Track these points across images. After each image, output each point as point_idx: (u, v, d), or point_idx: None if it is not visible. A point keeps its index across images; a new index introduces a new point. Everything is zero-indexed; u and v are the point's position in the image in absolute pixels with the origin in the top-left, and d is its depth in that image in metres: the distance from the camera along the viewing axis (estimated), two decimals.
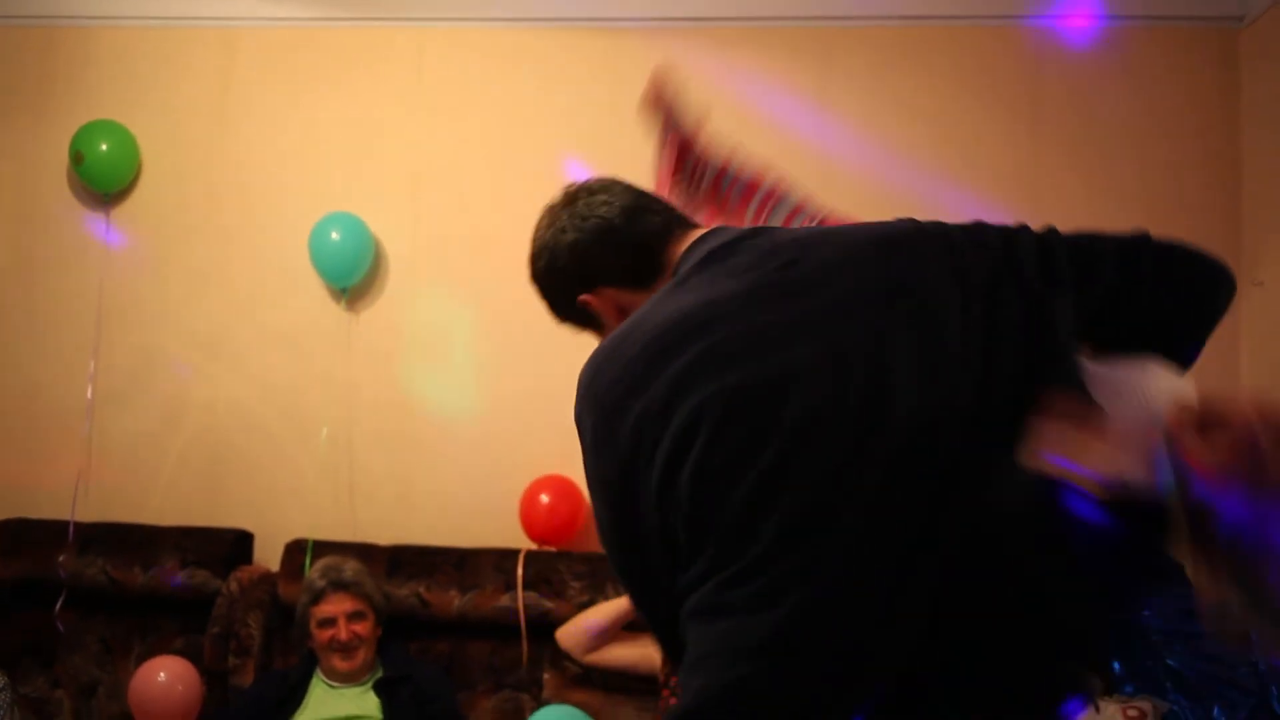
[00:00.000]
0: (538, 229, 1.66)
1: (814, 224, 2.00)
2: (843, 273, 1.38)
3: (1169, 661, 3.01)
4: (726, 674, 1.30)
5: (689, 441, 1.29)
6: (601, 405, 1.37)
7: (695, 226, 1.61)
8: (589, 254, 1.60)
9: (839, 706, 1.28)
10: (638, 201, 1.62)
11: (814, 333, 1.33)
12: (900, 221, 1.49)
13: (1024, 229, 1.46)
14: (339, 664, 3.12)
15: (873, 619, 1.25)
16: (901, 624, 1.25)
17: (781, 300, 1.36)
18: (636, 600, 1.49)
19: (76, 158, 3.73)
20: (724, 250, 1.48)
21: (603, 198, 1.62)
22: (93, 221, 3.85)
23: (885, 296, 1.35)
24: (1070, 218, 3.85)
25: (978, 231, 1.45)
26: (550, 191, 1.76)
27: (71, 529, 3.58)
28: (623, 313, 1.56)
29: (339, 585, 3.16)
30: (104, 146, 3.74)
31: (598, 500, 1.42)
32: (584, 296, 1.62)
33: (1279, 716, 2.85)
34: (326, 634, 3.13)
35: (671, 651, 1.43)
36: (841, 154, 3.58)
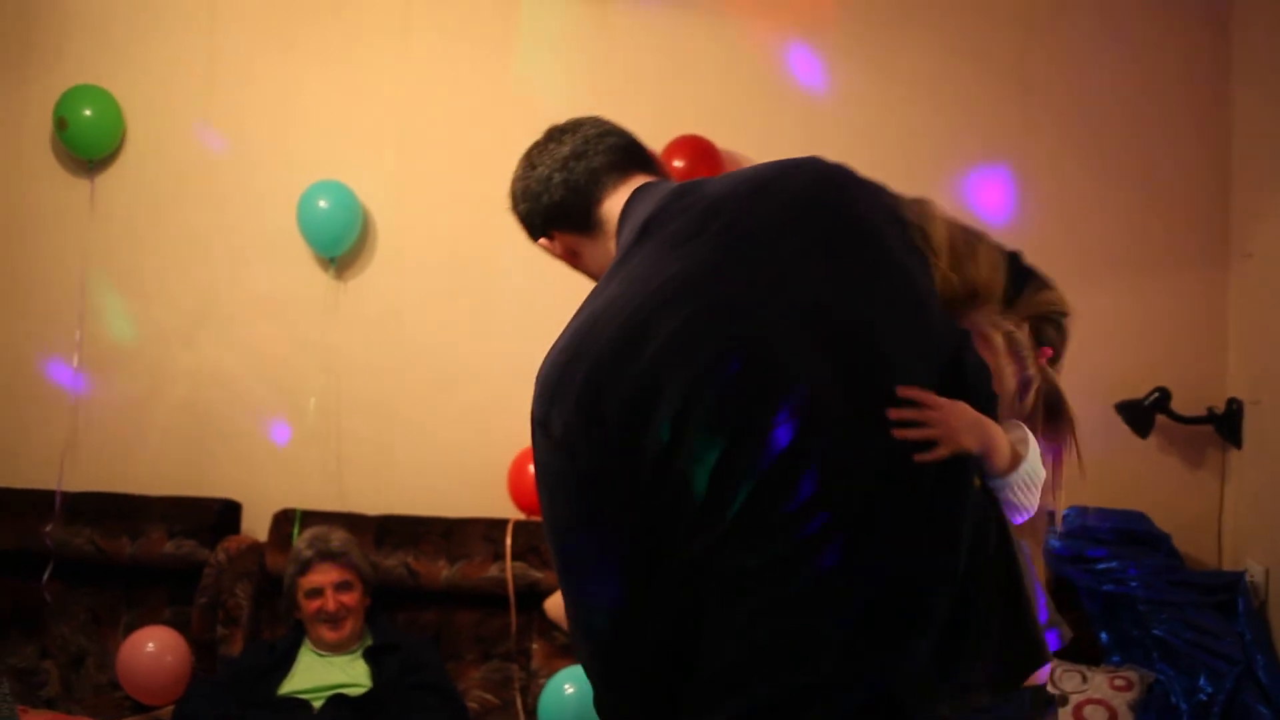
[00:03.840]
0: (515, 171, 1.80)
1: None
2: (785, 228, 1.49)
3: (1155, 631, 3.03)
4: (778, 623, 1.34)
5: (697, 398, 1.37)
6: (577, 400, 1.43)
7: (630, 174, 1.69)
8: (536, 202, 1.73)
9: (902, 646, 1.33)
10: (580, 147, 1.72)
11: (776, 289, 1.43)
12: (806, 162, 1.58)
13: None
14: (327, 634, 3.12)
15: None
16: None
17: (736, 266, 1.46)
18: (589, 610, 1.48)
19: (60, 124, 3.69)
20: (659, 218, 1.56)
21: (553, 146, 1.74)
22: (77, 188, 3.81)
23: (833, 246, 1.48)
24: (1058, 185, 3.81)
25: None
26: None
27: (58, 498, 3.57)
28: (574, 254, 1.73)
29: (326, 555, 3.16)
30: (88, 113, 3.69)
31: (566, 500, 1.48)
32: (540, 240, 1.76)
33: (1264, 685, 2.87)
34: (314, 605, 3.12)
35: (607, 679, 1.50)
36: (828, 115, 3.55)
